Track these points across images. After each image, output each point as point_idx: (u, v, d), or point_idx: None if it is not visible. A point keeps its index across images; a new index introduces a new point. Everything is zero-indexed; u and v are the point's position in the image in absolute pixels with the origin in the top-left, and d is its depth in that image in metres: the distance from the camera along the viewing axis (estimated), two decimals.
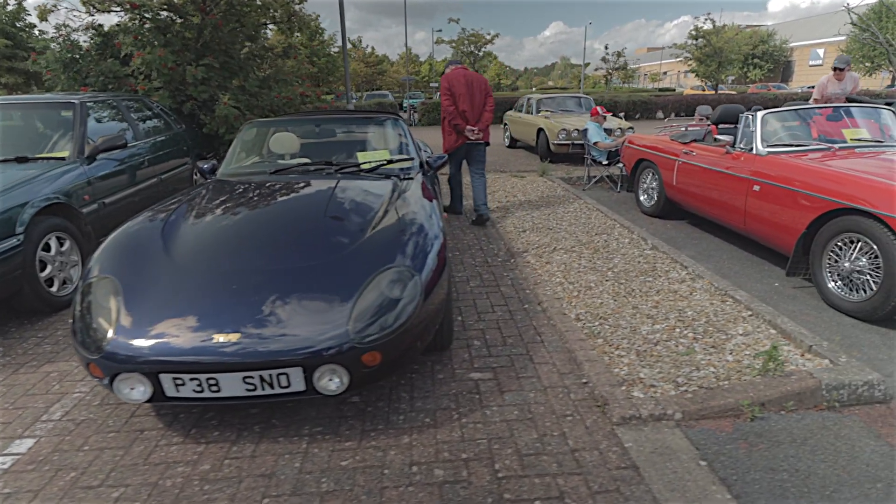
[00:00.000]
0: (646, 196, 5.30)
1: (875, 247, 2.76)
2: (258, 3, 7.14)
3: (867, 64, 35.06)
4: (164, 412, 2.25)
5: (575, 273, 3.58)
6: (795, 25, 50.63)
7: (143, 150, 4.62)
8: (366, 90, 41.99)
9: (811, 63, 44.01)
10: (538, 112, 10.47)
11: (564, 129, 8.54)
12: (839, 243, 3.00)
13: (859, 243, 2.88)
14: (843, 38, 38.94)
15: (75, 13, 6.40)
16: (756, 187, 3.61)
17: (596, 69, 30.68)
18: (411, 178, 3.18)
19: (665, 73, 59.30)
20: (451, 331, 2.52)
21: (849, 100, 5.81)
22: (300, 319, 1.95)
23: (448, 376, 2.46)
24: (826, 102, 6.29)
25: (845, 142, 3.65)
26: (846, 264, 2.97)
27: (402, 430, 2.08)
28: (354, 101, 9.21)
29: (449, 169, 5.26)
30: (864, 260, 2.85)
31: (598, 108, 6.54)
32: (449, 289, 2.43)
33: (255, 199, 2.83)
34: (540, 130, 9.48)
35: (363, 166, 3.32)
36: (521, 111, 11.34)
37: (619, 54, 25.30)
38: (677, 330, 2.73)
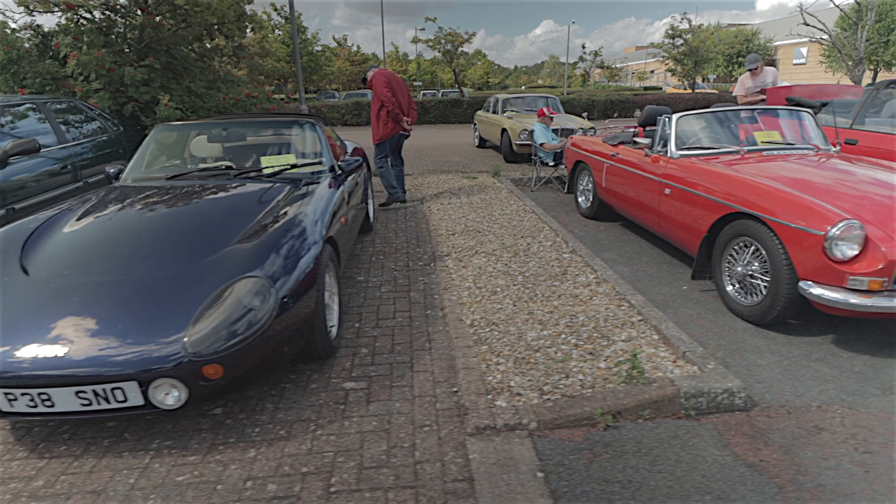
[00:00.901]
0: (583, 198, 5.29)
1: (764, 251, 2.76)
2: (205, 2, 7.04)
3: (848, 62, 35.42)
4: (20, 426, 2.20)
5: (486, 277, 3.56)
6: (780, 24, 50.97)
7: (69, 153, 4.54)
8: (353, 89, 41.94)
9: (795, 61, 44.30)
10: (503, 112, 10.45)
11: (526, 129, 8.51)
12: (735, 247, 3.00)
13: (752, 247, 2.88)
14: (825, 36, 39.27)
15: (10, 12, 6.27)
16: (667, 190, 3.60)
17: (573, 68, 30.67)
18: (316, 183, 3.14)
19: (652, 71, 59.59)
20: (325, 342, 2.47)
21: (788, 100, 5.83)
22: (137, 332, 1.91)
23: (321, 386, 2.42)
24: (748, 99, 6.34)
25: (757, 144, 3.65)
26: (739, 268, 2.97)
27: (252, 443, 2.05)
28: (305, 105, 9.07)
29: (376, 164, 5.71)
30: (757, 264, 2.85)
31: (545, 110, 6.52)
32: (320, 298, 2.40)
33: (137, 206, 2.78)
34: (504, 130, 9.46)
35: (265, 171, 3.28)
36: (488, 111, 11.32)
37: (596, 53, 25.30)
38: (563, 336, 2.71)
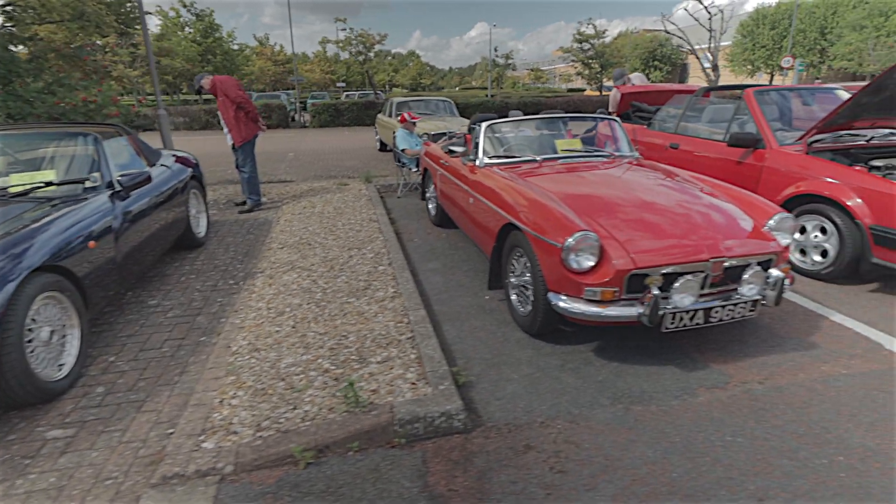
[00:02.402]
0: (431, 205, 5.23)
1: (528, 262, 2.76)
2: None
3: (748, 67, 38.43)
4: None
5: (283, 297, 3.37)
6: (691, 31, 54.50)
7: None
8: (278, 89, 40.35)
9: (705, 65, 47.40)
10: (397, 115, 10.32)
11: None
12: (514, 257, 2.99)
13: (523, 258, 2.87)
14: (728, 42, 42.32)
15: None
16: (471, 199, 3.57)
17: (501, 70, 31.21)
18: (75, 203, 2.83)
19: (578, 73, 61.74)
20: (28, 386, 2.19)
21: (631, 105, 6.07)
22: None
23: (21, 437, 2.14)
24: (636, 112, 6.56)
25: (557, 153, 3.70)
26: (513, 279, 2.96)
27: None
28: (164, 110, 8.48)
29: (243, 169, 5.67)
30: (528, 275, 2.84)
31: (406, 115, 6.44)
32: (16, 339, 2.11)
33: None
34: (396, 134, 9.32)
35: (11, 189, 2.92)
36: (385, 114, 11.16)
37: (507, 56, 25.85)
38: (319, 360, 2.57)
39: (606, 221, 2.60)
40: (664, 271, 2.41)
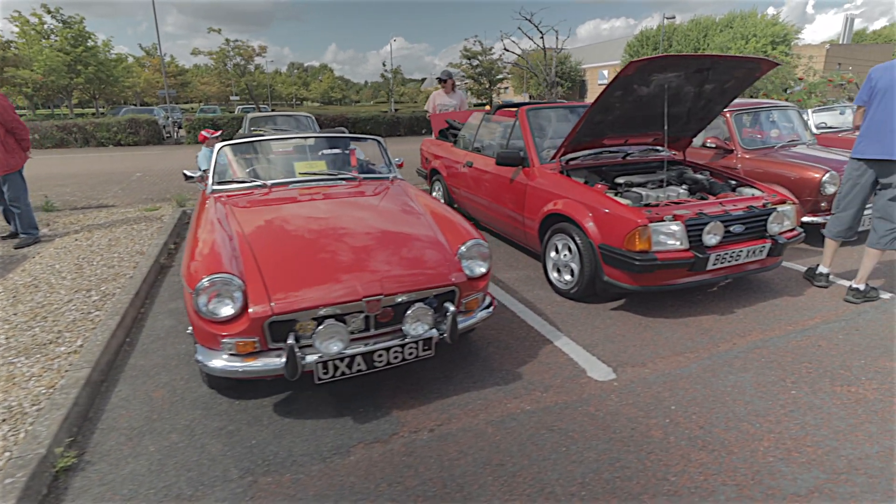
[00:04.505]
0: None
1: None
2: None
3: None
4: None
5: None
6: (589, 49, 58.14)
7: None
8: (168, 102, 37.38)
9: (599, 82, 50.61)
10: (250, 130, 9.71)
11: None
12: None
13: None
14: (618, 61, 45.48)
15: None
16: None
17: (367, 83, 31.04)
18: None
19: (469, 89, 63.19)
20: None
21: (447, 122, 5.99)
22: None
23: None
24: (437, 114, 6.49)
25: (294, 176, 3.39)
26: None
27: None
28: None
29: (21, 201, 4.88)
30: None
31: (205, 133, 5.93)
32: None
33: None
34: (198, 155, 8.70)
35: None
36: (244, 130, 10.49)
37: (395, 72, 25.96)
38: None
39: (266, 261, 2.28)
40: (317, 315, 2.13)
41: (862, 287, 3.41)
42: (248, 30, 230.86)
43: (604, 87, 3.25)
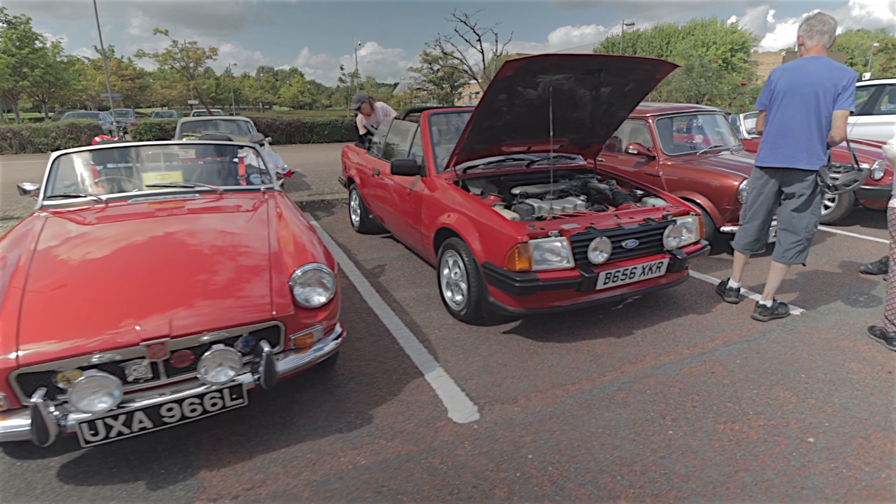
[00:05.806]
0: None
1: None
2: None
3: None
4: None
5: None
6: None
7: None
8: (129, 107, 35.98)
9: None
10: (181, 137, 9.19)
11: None
12: None
13: None
14: None
15: None
16: None
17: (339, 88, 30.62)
18: None
19: (430, 94, 63.11)
20: None
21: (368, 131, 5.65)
22: None
23: None
24: (366, 134, 6.13)
25: (142, 189, 3.00)
26: None
27: None
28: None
29: None
30: None
31: (98, 139, 5.46)
32: None
33: None
34: None
35: None
36: (177, 137, 9.94)
37: (353, 76, 25.60)
38: None
39: (35, 296, 1.89)
40: (89, 362, 1.75)
41: (769, 304, 3.19)
42: (218, 33, 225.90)
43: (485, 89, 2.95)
